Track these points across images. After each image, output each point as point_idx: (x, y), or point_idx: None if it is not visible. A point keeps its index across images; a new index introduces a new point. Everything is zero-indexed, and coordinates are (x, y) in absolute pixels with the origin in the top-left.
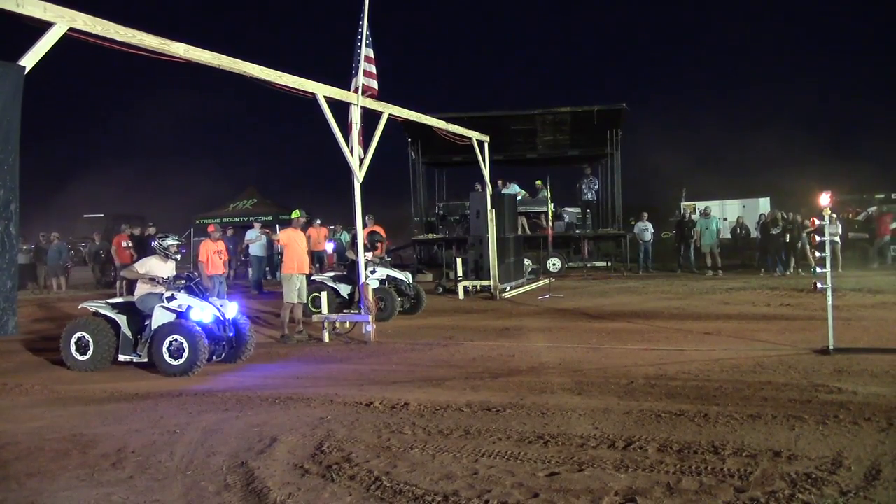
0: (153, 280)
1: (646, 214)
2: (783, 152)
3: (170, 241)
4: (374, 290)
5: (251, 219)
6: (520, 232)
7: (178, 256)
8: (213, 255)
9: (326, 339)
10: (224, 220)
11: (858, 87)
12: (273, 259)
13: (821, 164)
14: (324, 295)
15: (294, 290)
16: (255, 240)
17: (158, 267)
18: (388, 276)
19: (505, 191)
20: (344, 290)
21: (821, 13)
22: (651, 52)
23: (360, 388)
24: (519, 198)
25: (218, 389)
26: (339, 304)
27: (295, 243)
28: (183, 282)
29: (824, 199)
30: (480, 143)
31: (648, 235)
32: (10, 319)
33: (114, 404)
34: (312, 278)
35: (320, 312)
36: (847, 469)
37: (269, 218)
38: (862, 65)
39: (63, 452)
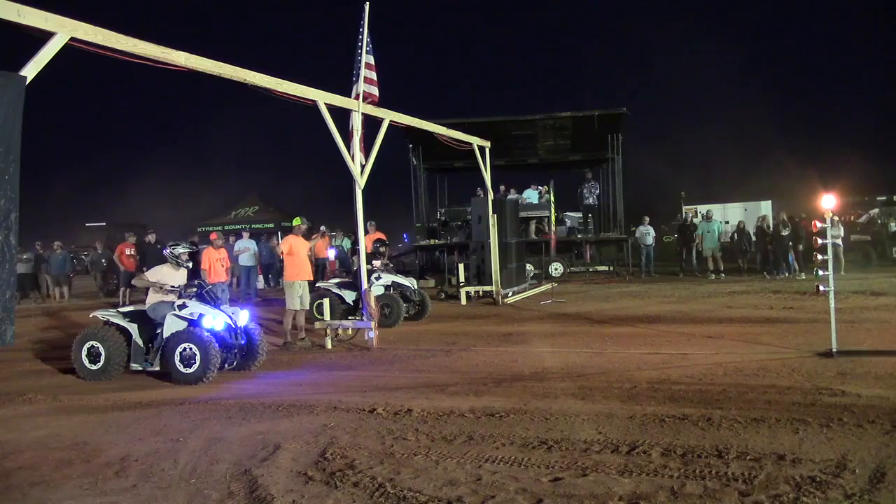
0: (164, 288)
1: (647, 218)
2: (784, 155)
3: (181, 249)
4: (380, 297)
5: (252, 226)
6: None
7: (190, 264)
8: (215, 262)
9: (329, 345)
10: (226, 227)
11: (861, 89)
12: (274, 266)
13: (822, 166)
14: (326, 301)
15: (296, 296)
16: (243, 250)
17: (170, 275)
18: (393, 282)
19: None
20: (349, 296)
21: (822, 16)
22: (651, 57)
23: (363, 395)
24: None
25: (221, 397)
26: (345, 310)
27: (297, 250)
28: (195, 289)
29: (827, 201)
30: (481, 149)
31: (650, 239)
32: (7, 329)
33: (117, 413)
34: (318, 285)
35: (323, 319)
36: (851, 472)
37: (272, 225)
38: (864, 67)
39: (66, 461)
